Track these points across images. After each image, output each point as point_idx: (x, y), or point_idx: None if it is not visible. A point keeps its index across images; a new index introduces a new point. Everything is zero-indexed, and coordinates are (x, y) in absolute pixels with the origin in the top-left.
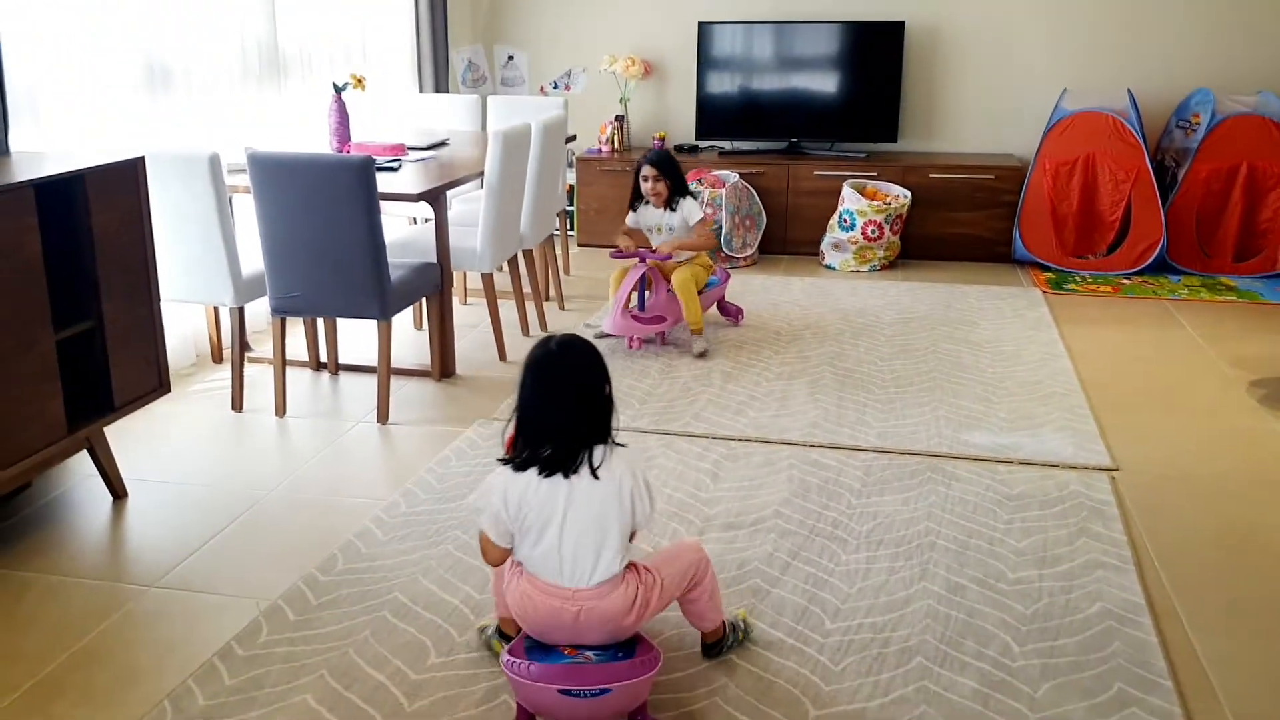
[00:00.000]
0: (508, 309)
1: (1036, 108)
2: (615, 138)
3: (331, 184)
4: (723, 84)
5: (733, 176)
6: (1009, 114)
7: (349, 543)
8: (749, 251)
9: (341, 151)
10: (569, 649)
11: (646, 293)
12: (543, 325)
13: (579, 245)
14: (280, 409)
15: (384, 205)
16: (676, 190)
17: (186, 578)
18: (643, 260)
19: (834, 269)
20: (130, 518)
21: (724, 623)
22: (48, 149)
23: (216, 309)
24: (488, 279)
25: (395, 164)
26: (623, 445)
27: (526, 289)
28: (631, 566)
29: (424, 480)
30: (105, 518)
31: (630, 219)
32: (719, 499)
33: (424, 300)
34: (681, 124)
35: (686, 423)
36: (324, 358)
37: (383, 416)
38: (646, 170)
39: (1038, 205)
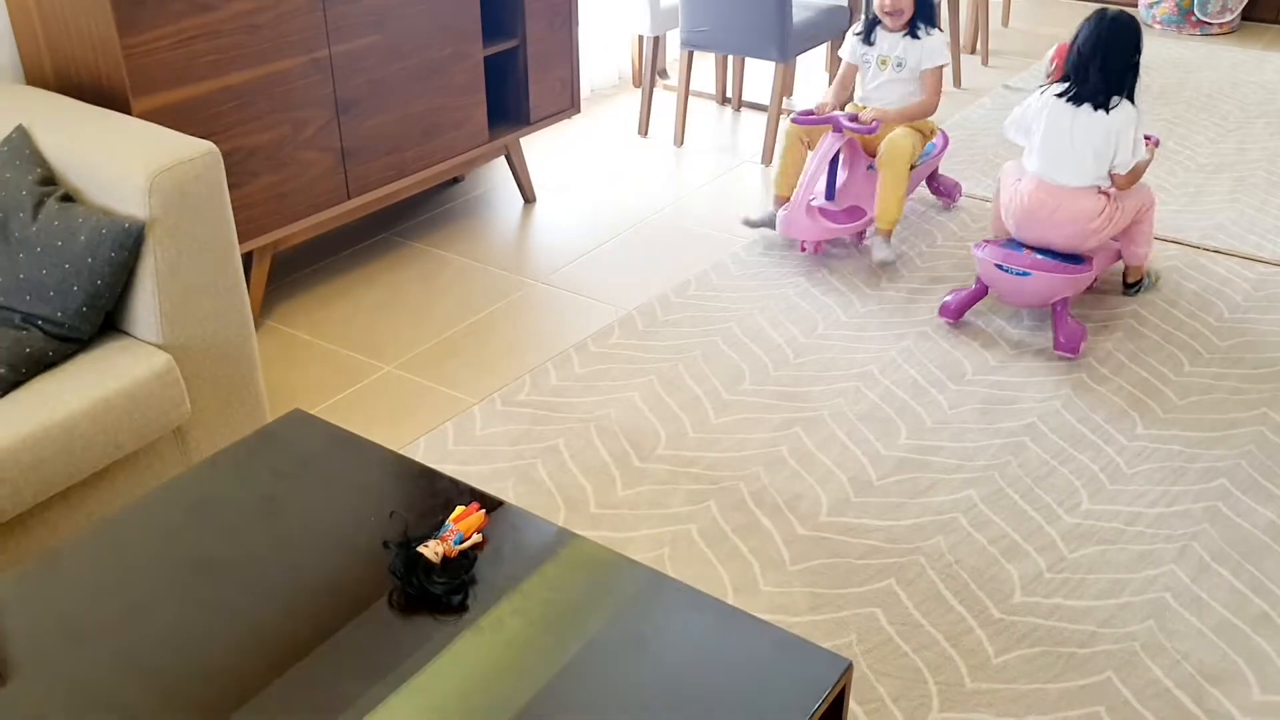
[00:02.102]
0: None
1: None
2: None
3: None
4: None
5: None
6: None
7: (704, 272)
8: (1229, 17)
9: None
10: (1029, 249)
11: (838, 172)
12: (955, 81)
13: None
14: (679, 139)
15: None
16: (922, 13)
17: (569, 278)
18: (838, 130)
19: None
20: (534, 220)
21: (1144, 269)
22: None
23: (641, 36)
24: None
25: None
26: (1133, 105)
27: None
28: (1104, 191)
29: None
30: (515, 218)
31: (849, 50)
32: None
33: (831, 44)
34: None
35: None
36: (730, 93)
37: (767, 158)
38: None
39: None
